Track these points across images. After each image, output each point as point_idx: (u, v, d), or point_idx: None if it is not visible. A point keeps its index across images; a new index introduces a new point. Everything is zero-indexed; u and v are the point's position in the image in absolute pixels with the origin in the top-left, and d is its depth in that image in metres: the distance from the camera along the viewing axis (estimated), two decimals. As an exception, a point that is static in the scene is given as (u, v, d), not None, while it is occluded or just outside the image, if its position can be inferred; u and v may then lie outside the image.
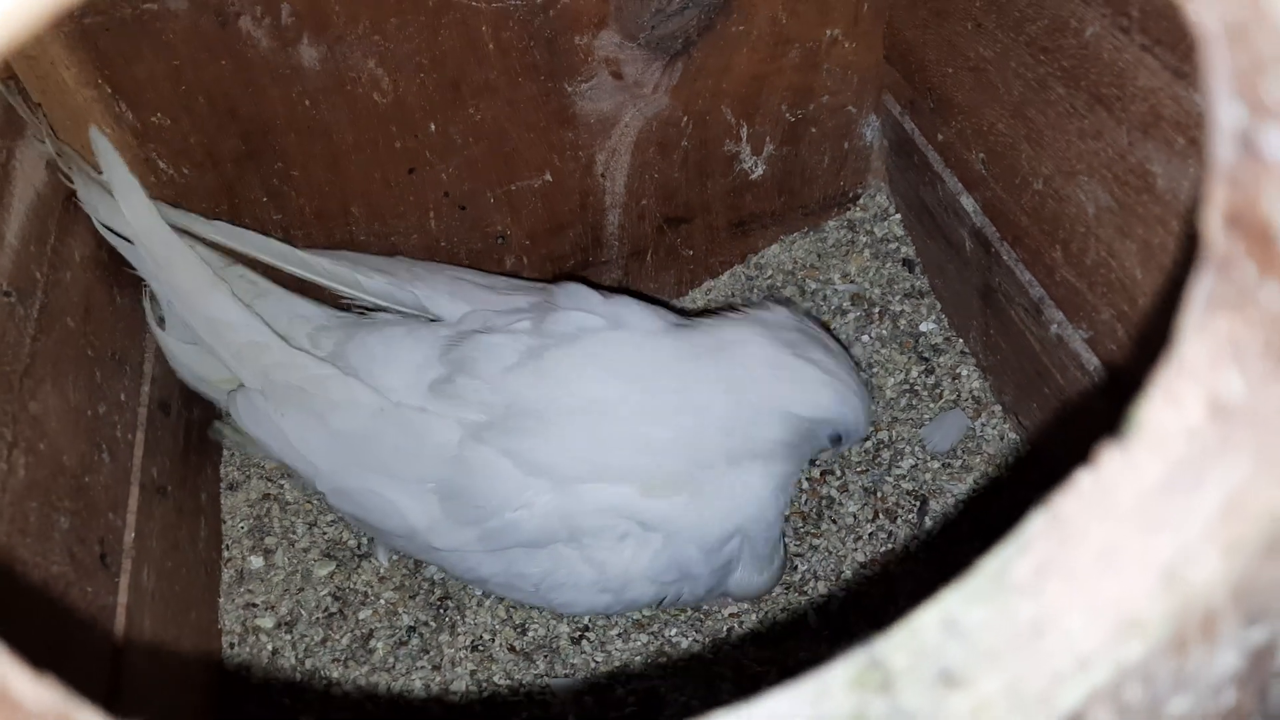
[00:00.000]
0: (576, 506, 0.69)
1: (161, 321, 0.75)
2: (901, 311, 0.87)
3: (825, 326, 0.85)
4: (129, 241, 0.72)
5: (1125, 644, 0.25)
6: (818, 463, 0.82)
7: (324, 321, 0.76)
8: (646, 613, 0.77)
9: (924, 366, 0.84)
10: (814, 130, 0.86)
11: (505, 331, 0.72)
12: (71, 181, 0.70)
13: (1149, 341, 0.58)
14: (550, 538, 0.69)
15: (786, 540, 0.78)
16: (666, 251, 0.90)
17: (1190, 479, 0.23)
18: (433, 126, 0.76)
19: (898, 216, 0.91)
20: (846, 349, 0.78)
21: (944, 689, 0.28)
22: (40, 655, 0.53)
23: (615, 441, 0.69)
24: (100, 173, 0.71)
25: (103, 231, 0.72)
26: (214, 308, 0.72)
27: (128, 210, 0.71)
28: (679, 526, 0.69)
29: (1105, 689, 0.26)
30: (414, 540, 0.72)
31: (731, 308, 0.78)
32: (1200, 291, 0.21)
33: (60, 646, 0.56)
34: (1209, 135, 0.19)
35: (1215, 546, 0.23)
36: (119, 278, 0.74)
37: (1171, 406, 0.24)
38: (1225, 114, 0.17)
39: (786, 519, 0.78)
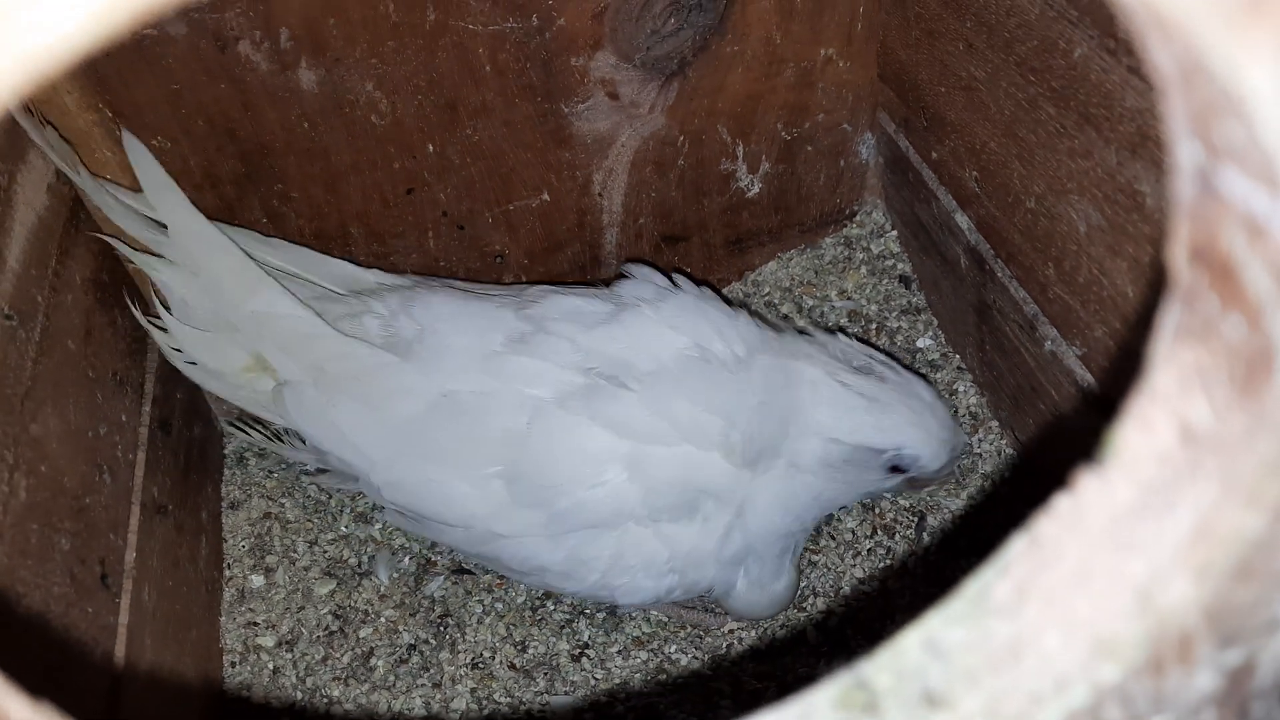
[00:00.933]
0: (653, 473, 0.68)
1: (168, 309, 0.74)
2: (898, 328, 0.88)
3: (908, 367, 0.80)
4: (163, 231, 0.72)
5: (1102, 665, 0.26)
6: (902, 499, 0.80)
7: (378, 282, 0.76)
8: (646, 629, 0.77)
9: (921, 382, 0.84)
10: (809, 148, 0.87)
11: (581, 295, 0.73)
12: (79, 182, 0.71)
13: (1139, 359, 0.58)
14: (621, 514, 0.69)
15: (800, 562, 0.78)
16: (664, 269, 0.91)
17: (1162, 503, 0.24)
18: (431, 147, 0.77)
19: (894, 233, 0.92)
20: (927, 380, 0.75)
21: (926, 709, 0.29)
22: (41, 677, 0.53)
23: (694, 401, 0.68)
24: (108, 180, 0.72)
25: (126, 226, 0.72)
26: (261, 301, 0.72)
27: (165, 207, 0.71)
28: (752, 505, 0.69)
29: (1084, 710, 0.26)
30: (472, 530, 0.70)
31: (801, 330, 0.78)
32: (1169, 322, 0.22)
33: (61, 667, 0.56)
34: (1173, 172, 0.20)
35: (1187, 569, 0.24)
36: (120, 300, 0.75)
37: (1144, 431, 0.24)
38: (1184, 152, 0.18)
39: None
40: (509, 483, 0.69)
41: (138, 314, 0.75)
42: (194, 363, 0.75)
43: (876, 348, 0.78)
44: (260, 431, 0.80)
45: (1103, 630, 0.26)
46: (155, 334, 0.75)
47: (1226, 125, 0.15)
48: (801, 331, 0.76)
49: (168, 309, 0.74)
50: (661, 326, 0.71)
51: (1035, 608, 0.27)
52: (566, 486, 0.68)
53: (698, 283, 0.77)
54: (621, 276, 0.76)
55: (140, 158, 0.71)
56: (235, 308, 0.72)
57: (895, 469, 0.70)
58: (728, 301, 0.76)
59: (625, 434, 0.68)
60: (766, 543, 0.71)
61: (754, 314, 0.76)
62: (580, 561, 0.70)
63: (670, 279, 0.75)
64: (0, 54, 0.13)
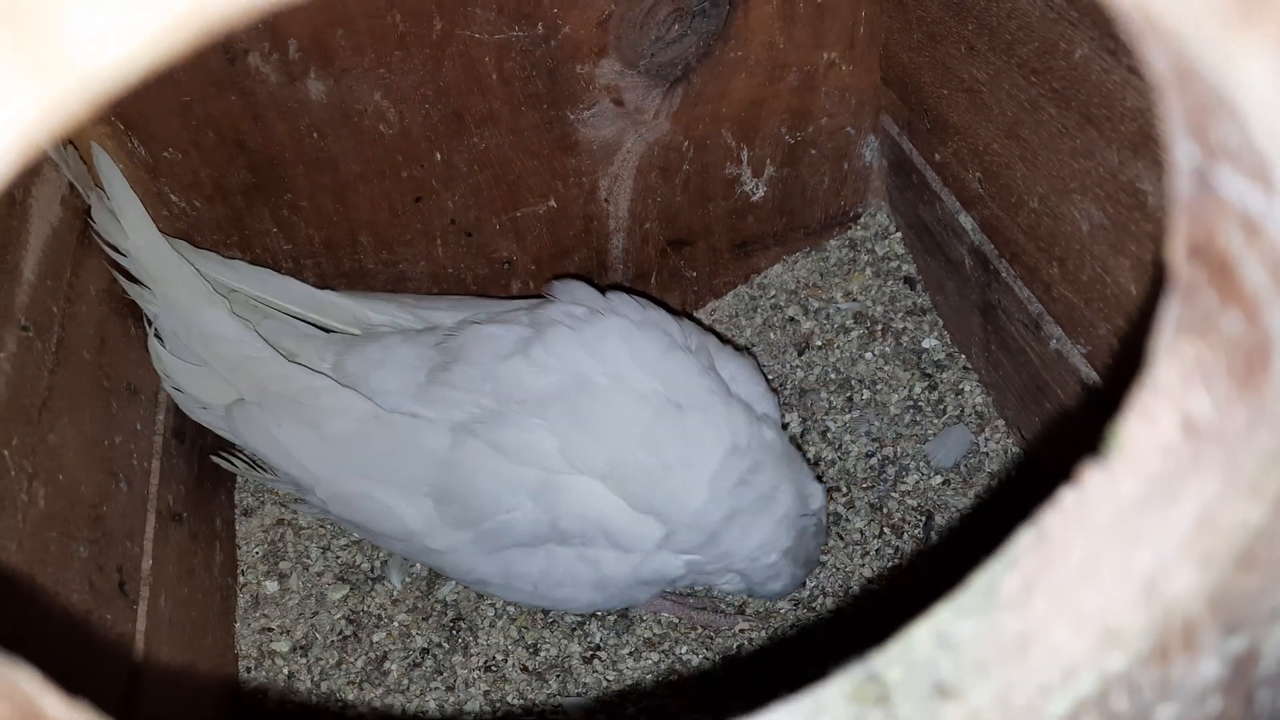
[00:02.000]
0: (561, 508, 0.69)
1: (161, 341, 0.76)
2: (904, 329, 0.88)
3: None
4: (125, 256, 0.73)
5: (1108, 655, 0.26)
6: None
7: (325, 339, 0.77)
8: (657, 631, 0.78)
9: (927, 383, 0.85)
10: (813, 152, 0.88)
11: (500, 322, 0.73)
12: (90, 199, 0.72)
13: (1143, 356, 0.59)
14: (539, 538, 0.70)
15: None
16: (670, 273, 0.91)
17: (1166, 494, 0.24)
18: (438, 156, 0.78)
19: (898, 235, 0.92)
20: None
21: (937, 701, 0.29)
22: (60, 683, 0.54)
23: (596, 430, 0.69)
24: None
25: (109, 252, 0.73)
26: (209, 322, 0.73)
27: (126, 224, 0.72)
28: (654, 548, 0.70)
29: (1091, 699, 0.27)
30: (412, 543, 0.73)
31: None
32: (1169, 317, 0.22)
33: (79, 674, 0.57)
34: (1171, 171, 0.20)
35: (1191, 559, 0.24)
36: (133, 310, 0.75)
37: (1148, 425, 0.25)
38: (1181, 152, 0.18)
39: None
40: (437, 502, 0.71)
41: (152, 352, 0.76)
42: (182, 392, 0.76)
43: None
44: (244, 460, 0.80)
45: (1109, 621, 0.26)
46: (156, 366, 0.76)
47: (1221, 126, 0.16)
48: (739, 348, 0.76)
49: (161, 343, 0.76)
50: (578, 351, 0.71)
51: (1043, 600, 0.28)
52: (488, 509, 0.70)
53: (655, 301, 0.77)
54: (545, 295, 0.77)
55: (109, 174, 0.72)
56: (188, 327, 0.74)
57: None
58: (699, 323, 0.77)
59: (525, 462, 0.69)
60: (762, 568, 0.73)
61: (704, 334, 0.77)
62: (516, 575, 0.72)
63: (603, 294, 0.76)
64: (53, 80, 0.14)
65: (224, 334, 0.73)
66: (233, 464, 0.81)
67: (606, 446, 0.69)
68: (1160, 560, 0.25)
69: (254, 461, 0.79)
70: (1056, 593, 0.28)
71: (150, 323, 0.76)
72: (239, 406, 0.74)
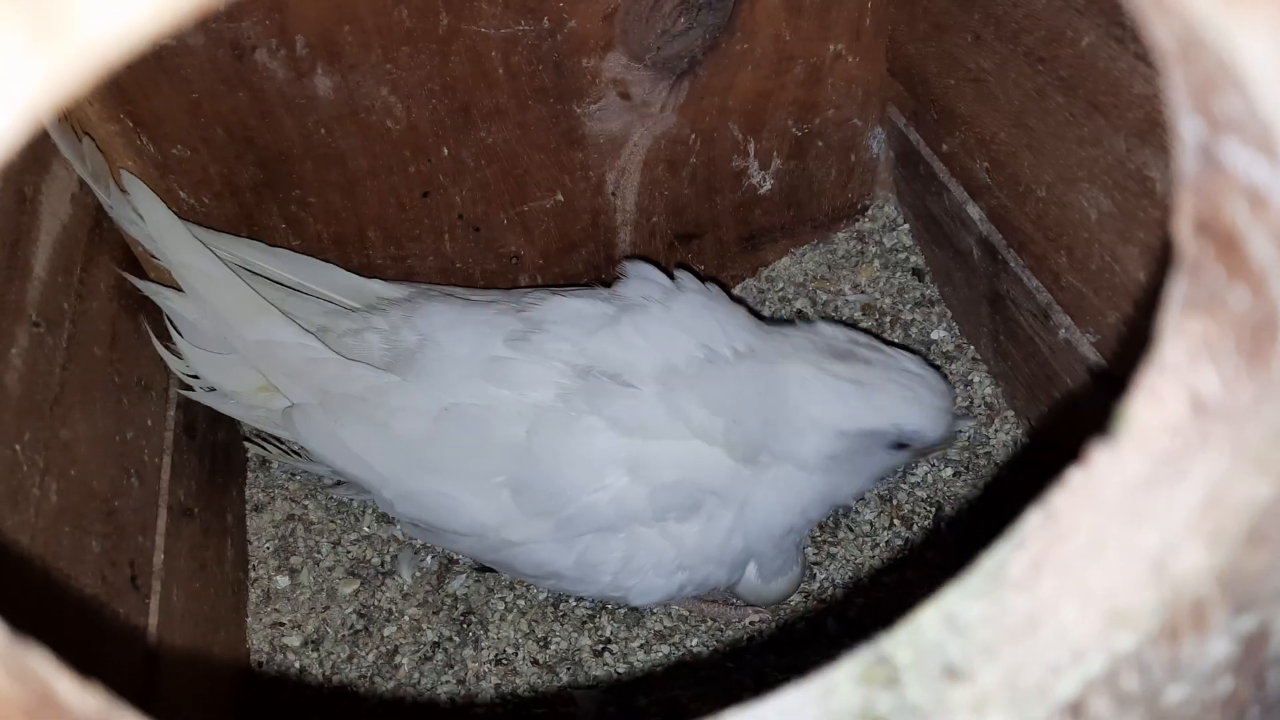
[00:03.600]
0: (655, 473, 0.68)
1: (180, 334, 0.76)
2: (913, 320, 0.88)
3: (891, 343, 0.79)
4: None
5: (1117, 635, 0.26)
6: (914, 470, 0.81)
7: (380, 295, 0.77)
8: (667, 623, 0.78)
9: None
10: (820, 144, 0.88)
11: (582, 296, 0.73)
12: (109, 195, 0.72)
13: (1150, 343, 0.59)
14: (626, 516, 0.69)
15: (806, 549, 0.79)
16: (678, 267, 0.91)
17: (1174, 473, 0.24)
18: (445, 151, 0.78)
19: (906, 226, 0.92)
20: (912, 352, 0.75)
21: (947, 683, 0.29)
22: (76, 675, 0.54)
23: (702, 400, 0.69)
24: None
25: (138, 250, 0.74)
26: (264, 330, 0.73)
27: (168, 246, 0.73)
28: (751, 507, 0.70)
29: (1101, 679, 0.27)
30: (484, 539, 0.72)
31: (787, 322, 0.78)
32: (1176, 294, 0.22)
33: (93, 668, 0.57)
34: (1175, 146, 0.20)
35: (1199, 537, 0.24)
36: (144, 306, 0.76)
37: (1155, 404, 0.25)
38: (1186, 127, 0.18)
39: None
40: (515, 492, 0.70)
41: (156, 344, 0.76)
42: (209, 388, 0.76)
43: (868, 331, 0.79)
44: (278, 446, 0.81)
45: (1118, 600, 0.26)
46: (171, 361, 0.76)
47: (1226, 97, 0.16)
48: (782, 322, 0.76)
49: (180, 334, 0.76)
50: (670, 327, 0.71)
51: (1051, 580, 0.28)
52: (570, 493, 0.69)
53: (702, 278, 0.77)
54: (619, 276, 0.77)
55: (142, 196, 0.72)
56: (240, 337, 0.74)
57: (900, 445, 0.70)
58: (731, 297, 0.77)
59: (628, 432, 0.69)
60: (765, 543, 0.72)
61: (750, 310, 0.76)
62: (591, 565, 0.71)
63: (671, 276, 0.76)
64: (60, 47, 0.14)
65: (282, 339, 0.73)
66: (266, 450, 0.81)
67: (723, 413, 0.68)
68: (1168, 539, 0.25)
69: (291, 449, 0.79)
70: (1065, 573, 0.28)
71: (169, 320, 0.76)
72: (298, 410, 0.73)
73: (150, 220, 0.72)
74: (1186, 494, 0.24)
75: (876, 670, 0.31)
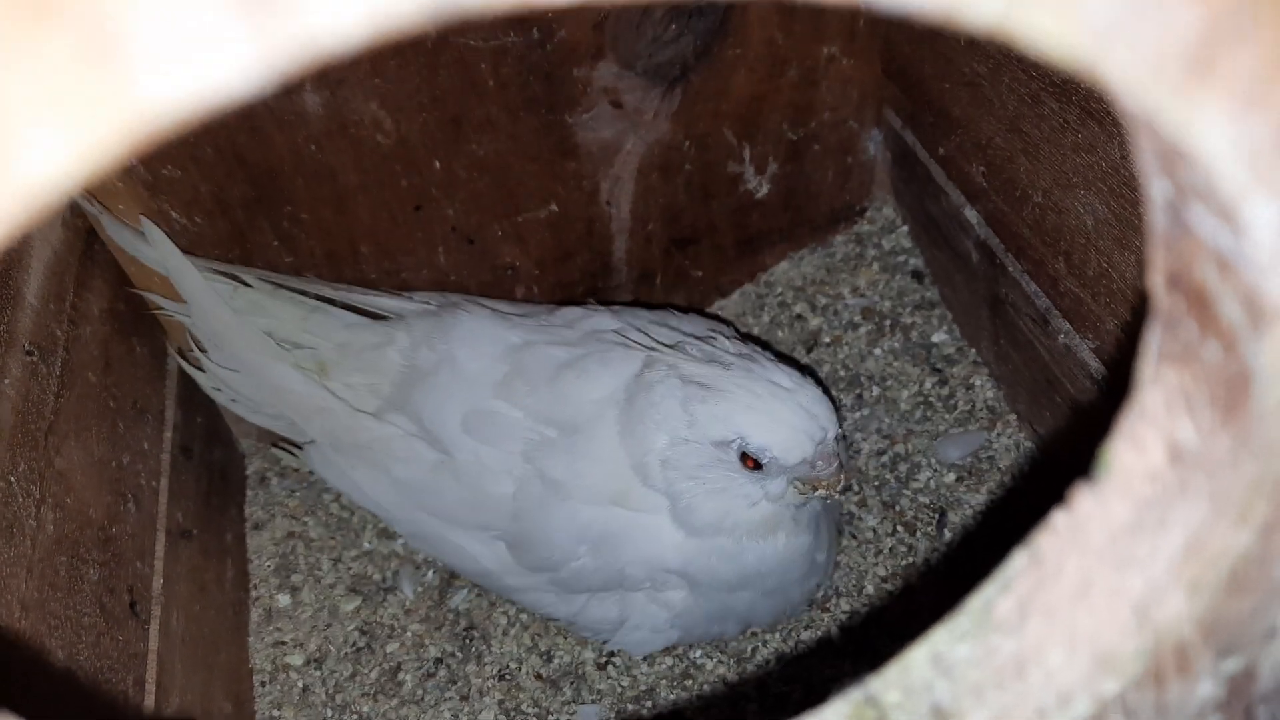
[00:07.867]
0: (625, 556, 0.69)
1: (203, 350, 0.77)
2: (913, 323, 0.87)
3: (784, 356, 0.77)
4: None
5: (1103, 678, 0.26)
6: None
7: (386, 324, 0.77)
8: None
9: (937, 378, 0.84)
10: (816, 147, 0.87)
11: (553, 343, 0.73)
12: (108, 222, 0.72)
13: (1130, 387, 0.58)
14: (610, 585, 0.71)
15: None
16: (675, 273, 0.91)
17: (1156, 520, 0.24)
18: (437, 164, 0.77)
19: (904, 228, 0.91)
20: (805, 370, 0.70)
21: (934, 726, 0.29)
22: (75, 709, 0.54)
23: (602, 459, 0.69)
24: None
25: (132, 270, 0.74)
26: (279, 377, 0.75)
27: (186, 294, 0.74)
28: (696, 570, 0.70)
29: (1088, 724, 0.27)
30: (490, 580, 0.75)
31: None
32: (1153, 344, 0.22)
33: (94, 698, 0.57)
34: (1147, 204, 0.20)
35: (1180, 584, 0.24)
36: (137, 329, 0.76)
37: (1137, 450, 0.24)
38: (1155, 187, 0.18)
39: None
40: (510, 547, 0.72)
41: (174, 356, 0.78)
42: (235, 399, 0.78)
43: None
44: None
45: (1103, 645, 0.26)
46: (195, 375, 0.77)
47: (1188, 170, 0.16)
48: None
49: (203, 351, 0.76)
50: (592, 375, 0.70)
51: (1037, 623, 0.28)
52: (558, 558, 0.70)
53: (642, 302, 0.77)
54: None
55: (159, 243, 0.73)
56: (259, 381, 0.75)
57: (755, 465, 0.64)
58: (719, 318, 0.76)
59: (559, 494, 0.69)
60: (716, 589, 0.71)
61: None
62: (592, 619, 0.73)
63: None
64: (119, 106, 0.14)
65: (293, 388, 0.75)
66: (293, 454, 0.81)
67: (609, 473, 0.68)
68: (1151, 585, 0.25)
69: None
70: (1051, 616, 0.27)
71: (190, 335, 0.77)
72: (314, 448, 0.76)
73: (168, 266, 0.73)
74: (1168, 541, 0.24)
75: (865, 711, 0.30)
